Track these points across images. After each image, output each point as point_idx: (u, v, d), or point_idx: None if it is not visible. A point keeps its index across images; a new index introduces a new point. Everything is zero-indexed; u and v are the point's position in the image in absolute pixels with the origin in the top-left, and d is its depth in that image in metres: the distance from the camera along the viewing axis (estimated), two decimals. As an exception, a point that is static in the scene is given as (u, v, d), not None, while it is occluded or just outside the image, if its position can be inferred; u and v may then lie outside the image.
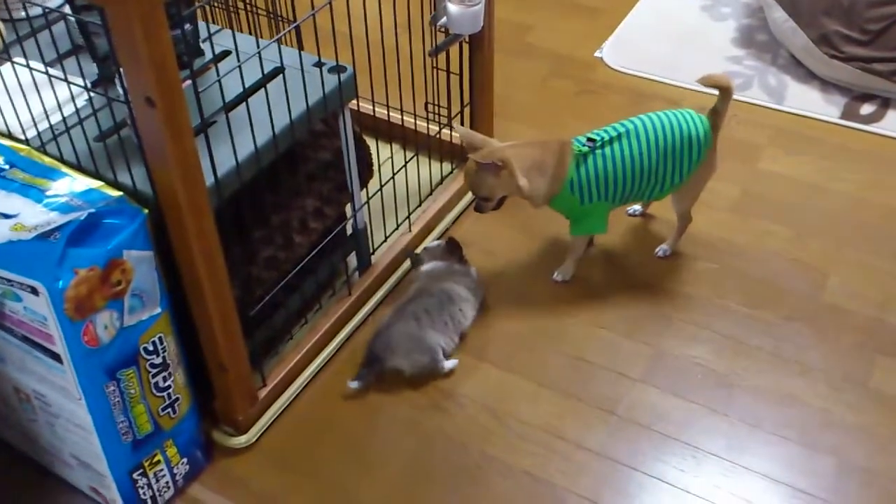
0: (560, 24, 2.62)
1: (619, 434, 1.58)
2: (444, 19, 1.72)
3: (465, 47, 1.91)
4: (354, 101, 1.60)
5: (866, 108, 2.22)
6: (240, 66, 1.34)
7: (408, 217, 1.90)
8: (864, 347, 1.71)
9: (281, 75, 1.44)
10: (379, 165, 1.85)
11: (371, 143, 1.86)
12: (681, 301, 1.81)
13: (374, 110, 1.86)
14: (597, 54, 2.48)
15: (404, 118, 2.07)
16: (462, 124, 1.98)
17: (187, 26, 1.40)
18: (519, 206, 1.82)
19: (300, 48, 1.64)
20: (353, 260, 1.82)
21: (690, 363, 1.69)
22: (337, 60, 1.50)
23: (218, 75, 1.28)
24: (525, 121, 2.26)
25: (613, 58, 2.45)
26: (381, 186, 1.78)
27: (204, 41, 1.50)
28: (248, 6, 1.85)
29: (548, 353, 1.73)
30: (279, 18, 1.83)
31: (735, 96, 2.26)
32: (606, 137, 1.70)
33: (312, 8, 1.41)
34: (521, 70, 2.44)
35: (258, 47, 1.34)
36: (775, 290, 1.82)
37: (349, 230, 1.74)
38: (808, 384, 1.64)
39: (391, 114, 2.07)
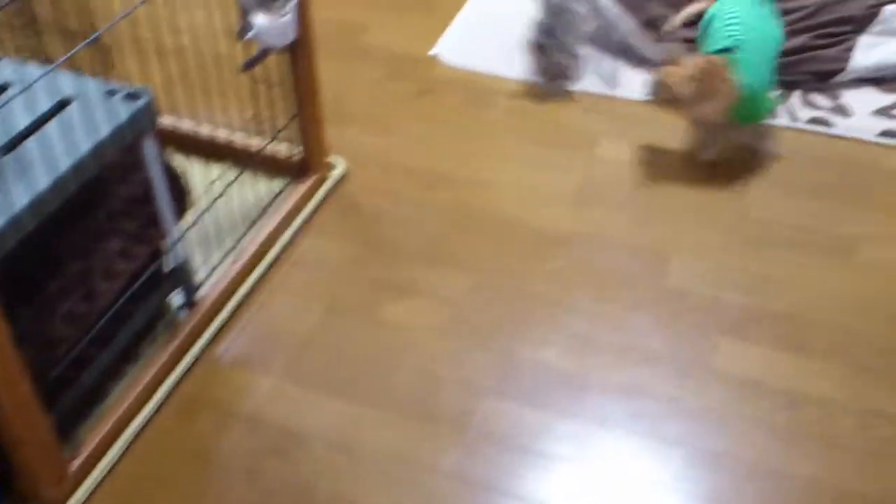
0: (395, 22, 2.56)
1: (474, 453, 1.53)
2: (251, 33, 1.64)
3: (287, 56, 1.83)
4: (172, 121, 1.50)
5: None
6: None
7: (236, 244, 1.80)
8: (705, 328, 1.71)
9: (68, 107, 1.34)
10: (202, 189, 1.76)
11: (195, 164, 1.76)
12: (531, 303, 1.78)
13: (192, 129, 1.77)
14: (433, 52, 2.43)
15: (226, 135, 1.98)
16: (291, 136, 1.91)
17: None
18: (368, 223, 1.75)
19: (111, 65, 1.53)
20: (177, 298, 1.69)
21: (543, 367, 1.66)
22: (136, 83, 1.40)
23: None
24: (362, 126, 2.19)
25: (449, 55, 2.41)
26: (202, 214, 1.68)
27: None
28: (29, 27, 1.73)
29: (392, 370, 1.66)
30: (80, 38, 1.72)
31: (570, 86, 2.26)
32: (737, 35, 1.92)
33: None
34: (356, 73, 2.37)
35: (39, 76, 1.23)
36: (621, 280, 1.81)
37: (167, 267, 1.62)
38: (655, 374, 1.63)
39: (213, 131, 1.97)
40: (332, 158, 2.04)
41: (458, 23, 2.51)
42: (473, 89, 2.30)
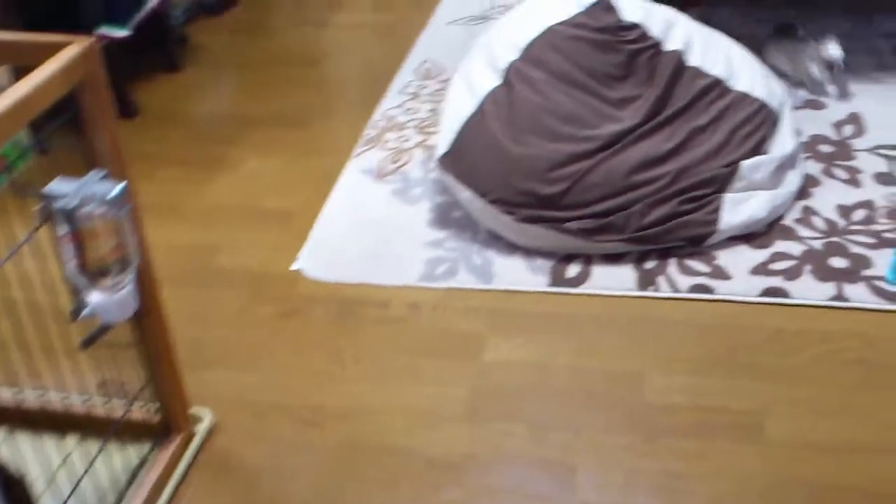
0: (249, 239, 2.42)
1: None
2: (87, 312, 1.48)
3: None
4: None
5: (572, 270, 2.16)
6: None
7: None
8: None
9: None
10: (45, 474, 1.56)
11: (45, 439, 1.57)
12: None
13: (34, 400, 1.59)
14: (294, 266, 2.30)
15: (76, 404, 1.79)
16: (148, 397, 1.73)
17: None
18: (246, 481, 1.57)
19: None
20: None
21: None
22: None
23: None
24: (226, 365, 2.02)
25: (312, 268, 2.28)
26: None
27: None
28: None
29: None
30: None
31: (443, 284, 2.16)
32: None
33: None
34: (214, 300, 2.21)
35: None
36: (527, 501, 1.67)
37: None
38: None
39: (61, 400, 1.79)
40: (196, 411, 1.86)
41: (317, 234, 2.39)
42: (343, 303, 2.17)
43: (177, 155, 2.83)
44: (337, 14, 3.72)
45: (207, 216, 2.52)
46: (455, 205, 2.39)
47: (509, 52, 2.29)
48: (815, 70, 2.70)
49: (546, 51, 2.26)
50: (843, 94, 2.71)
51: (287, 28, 3.63)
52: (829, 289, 2.05)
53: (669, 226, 2.13)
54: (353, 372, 1.99)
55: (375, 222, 2.40)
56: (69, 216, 1.41)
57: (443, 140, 2.30)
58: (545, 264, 2.19)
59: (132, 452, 1.76)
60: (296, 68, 3.31)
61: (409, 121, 2.83)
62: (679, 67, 2.23)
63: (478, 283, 2.17)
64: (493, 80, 2.28)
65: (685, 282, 2.09)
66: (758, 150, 2.18)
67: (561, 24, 2.28)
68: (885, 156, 2.43)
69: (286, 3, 3.86)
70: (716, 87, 2.23)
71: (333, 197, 2.52)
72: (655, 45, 2.25)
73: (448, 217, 2.38)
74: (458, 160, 2.25)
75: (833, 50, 2.64)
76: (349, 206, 2.48)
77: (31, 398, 1.84)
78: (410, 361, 2.00)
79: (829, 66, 2.69)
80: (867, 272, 2.08)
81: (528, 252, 2.22)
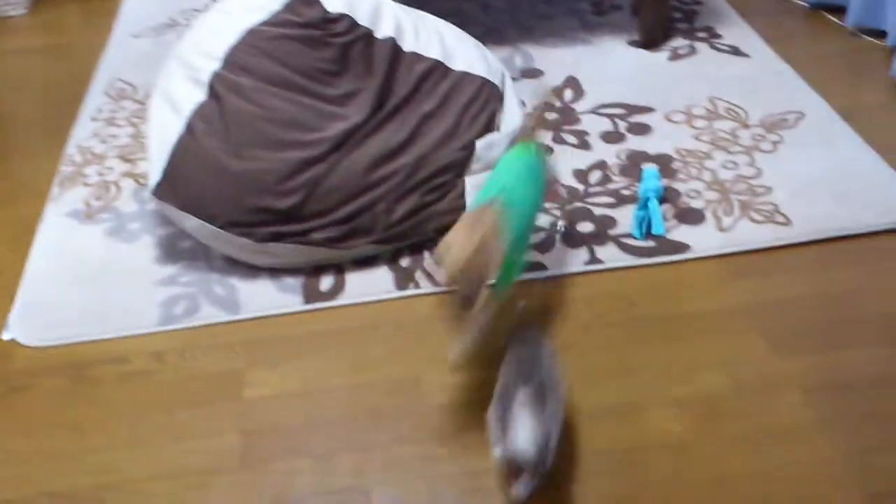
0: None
1: None
2: None
3: None
4: None
5: (325, 283, 2.02)
6: None
7: None
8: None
9: None
10: None
11: None
12: None
13: None
14: (5, 336, 1.98)
15: None
16: None
17: None
18: None
19: None
20: None
21: None
22: None
23: None
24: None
25: (27, 335, 1.97)
26: None
27: None
28: None
29: None
30: None
31: (186, 324, 1.97)
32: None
33: None
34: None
35: None
36: (330, 546, 1.52)
37: None
38: None
39: None
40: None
41: (26, 294, 2.07)
42: (73, 367, 1.88)
43: None
44: (-1, 43, 3.31)
45: None
46: (182, 234, 2.17)
47: (209, 62, 2.08)
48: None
49: (250, 55, 2.08)
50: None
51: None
52: (582, 254, 2.05)
53: (418, 219, 2.03)
54: (101, 443, 1.73)
55: (93, 269, 2.12)
56: None
57: (154, 167, 2.06)
58: (295, 282, 2.03)
59: None
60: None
61: (109, 149, 2.54)
62: (395, 54, 2.13)
63: (225, 315, 1.97)
64: (197, 95, 2.07)
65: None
66: (489, 127, 2.13)
67: (262, 24, 2.11)
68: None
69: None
70: (436, 70, 2.15)
71: (37, 249, 2.20)
72: (367, 35, 2.13)
73: (176, 249, 2.15)
74: (175, 187, 2.02)
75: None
76: (59, 256, 2.17)
77: None
78: (165, 418, 1.77)
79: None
80: (613, 231, 2.10)
81: (274, 272, 2.05)
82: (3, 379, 1.88)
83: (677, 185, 2.23)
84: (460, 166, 2.08)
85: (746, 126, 2.44)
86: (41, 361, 1.91)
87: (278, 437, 1.71)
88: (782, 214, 2.13)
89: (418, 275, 2.02)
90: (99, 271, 2.12)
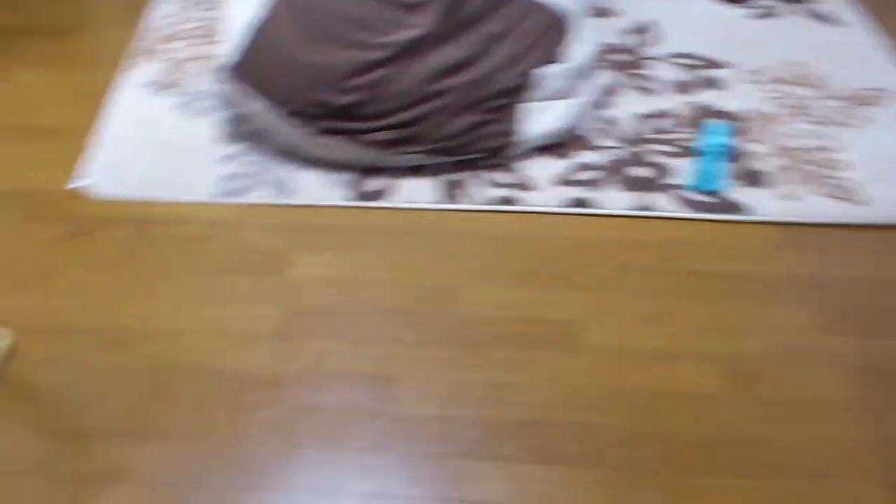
0: (21, 157, 2.21)
1: None
2: None
3: None
4: None
5: (374, 184, 2.13)
6: None
7: None
8: (449, 456, 1.60)
9: None
10: None
11: None
12: (250, 463, 1.57)
13: None
14: (74, 185, 2.13)
15: None
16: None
17: None
18: (50, 406, 1.46)
19: None
20: None
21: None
22: None
23: None
24: (10, 287, 1.87)
25: (97, 186, 2.12)
26: None
27: None
28: None
29: None
30: None
31: (241, 200, 2.07)
32: None
33: None
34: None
35: None
36: (351, 417, 1.65)
37: None
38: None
39: None
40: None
41: (99, 150, 2.22)
42: (135, 222, 2.03)
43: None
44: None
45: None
46: (245, 118, 2.28)
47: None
48: None
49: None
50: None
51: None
52: (632, 198, 2.10)
53: (469, 137, 2.13)
54: (154, 293, 1.88)
55: (162, 138, 2.26)
56: None
57: (231, 49, 2.18)
58: (346, 178, 2.14)
59: None
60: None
61: (185, 29, 2.65)
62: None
63: (277, 198, 2.09)
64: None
65: (490, 193, 2.10)
66: (553, 58, 2.20)
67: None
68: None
69: None
70: (509, -7, 2.23)
71: (112, 111, 2.33)
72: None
73: (239, 131, 2.27)
74: (249, 70, 2.14)
75: None
76: (131, 121, 2.31)
77: None
78: (214, 280, 1.91)
79: None
80: (668, 181, 2.15)
81: (328, 166, 2.17)
82: (72, 222, 2.04)
83: (745, 146, 2.23)
84: (517, 92, 2.17)
85: (830, 97, 2.37)
86: (107, 212, 2.06)
87: (314, 317, 1.84)
88: (855, 192, 2.09)
89: (464, 191, 2.12)
90: (165, 141, 2.25)
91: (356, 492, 1.54)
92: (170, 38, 2.61)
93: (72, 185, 2.13)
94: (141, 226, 2.03)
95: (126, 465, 1.57)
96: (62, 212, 2.06)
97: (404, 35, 2.13)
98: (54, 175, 2.15)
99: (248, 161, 2.19)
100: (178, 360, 1.75)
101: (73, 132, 2.27)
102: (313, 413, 1.66)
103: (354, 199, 2.10)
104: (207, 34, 2.62)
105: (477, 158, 2.17)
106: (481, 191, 2.12)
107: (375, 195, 2.11)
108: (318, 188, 2.12)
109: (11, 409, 1.66)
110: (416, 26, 2.14)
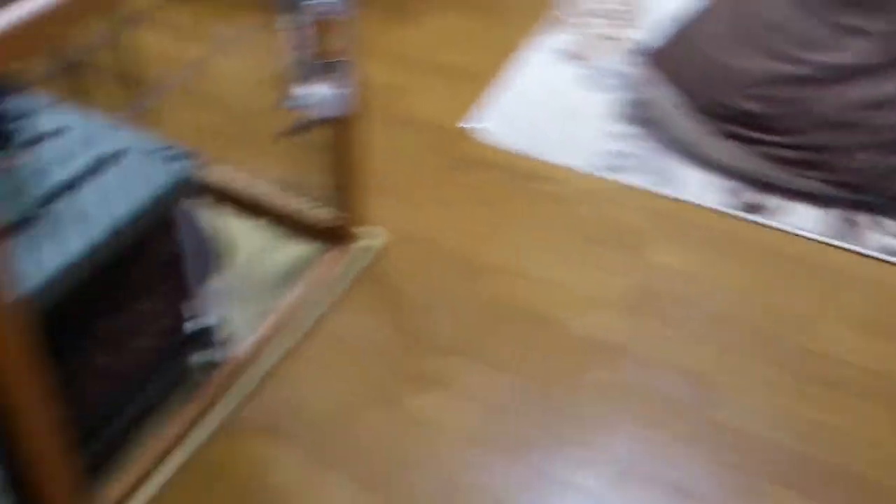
0: (435, 88, 2.38)
1: None
2: (307, 102, 1.47)
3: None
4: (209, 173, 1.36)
5: (758, 198, 2.07)
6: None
7: (267, 309, 1.67)
8: (753, 473, 1.53)
9: (113, 163, 1.19)
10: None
11: (229, 219, 1.63)
12: (569, 415, 1.60)
13: (229, 182, 1.63)
14: (468, 124, 2.26)
15: (264, 193, 1.84)
16: (331, 201, 1.76)
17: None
18: (403, 306, 1.59)
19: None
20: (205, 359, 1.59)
21: (575, 492, 1.49)
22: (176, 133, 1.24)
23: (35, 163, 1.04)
24: (400, 199, 2.03)
25: (491, 131, 2.24)
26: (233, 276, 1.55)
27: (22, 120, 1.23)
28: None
29: (414, 467, 1.51)
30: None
31: (620, 177, 2.10)
32: None
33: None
34: (393, 140, 2.18)
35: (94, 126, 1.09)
36: (667, 405, 1.63)
37: (193, 328, 1.51)
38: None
39: (250, 187, 1.84)
40: (371, 230, 1.88)
41: (498, 99, 2.34)
42: (514, 171, 2.13)
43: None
44: None
45: (394, 62, 2.48)
46: (644, 104, 2.31)
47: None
48: None
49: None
50: None
51: None
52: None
53: (881, 175, 2.00)
54: (518, 237, 1.96)
55: (559, 102, 2.34)
56: (312, 5, 1.41)
57: (655, 35, 2.22)
58: (729, 185, 2.10)
59: (310, 249, 1.80)
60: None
61: (605, 8, 2.72)
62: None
63: (655, 185, 2.10)
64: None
65: (885, 241, 1.96)
66: None
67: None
68: None
69: None
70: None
71: (518, 67, 2.45)
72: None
73: (634, 114, 2.30)
74: (667, 59, 2.17)
75: None
76: (533, 80, 2.42)
77: (223, 177, 1.88)
78: (576, 242, 1.96)
79: None
80: None
81: (717, 168, 2.13)
82: (458, 157, 2.17)
83: None
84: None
85: None
86: (492, 156, 2.18)
87: (663, 303, 1.83)
88: None
89: (857, 231, 1.98)
90: (562, 106, 2.33)
91: (663, 480, 1.52)
92: (587, 14, 2.69)
93: (465, 125, 2.26)
94: (518, 175, 2.12)
95: (456, 377, 1.66)
96: (457, 147, 2.20)
97: (836, 57, 2.05)
98: (459, 113, 2.29)
99: (637, 144, 2.21)
100: (525, 303, 1.81)
101: (481, 78, 2.41)
102: (635, 390, 1.65)
103: (735, 208, 2.05)
104: (625, 17, 2.68)
105: (883, 203, 2.03)
106: (877, 237, 1.98)
107: (757, 208, 2.05)
108: (700, 187, 2.10)
109: (371, 298, 1.80)
110: (852, 51, 2.05)
